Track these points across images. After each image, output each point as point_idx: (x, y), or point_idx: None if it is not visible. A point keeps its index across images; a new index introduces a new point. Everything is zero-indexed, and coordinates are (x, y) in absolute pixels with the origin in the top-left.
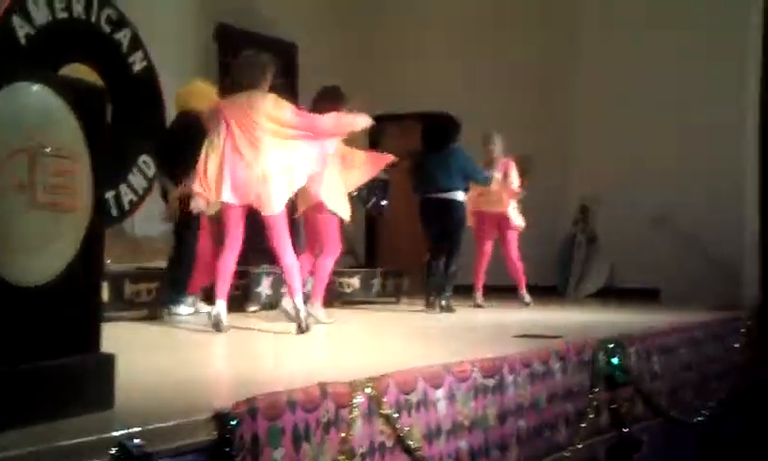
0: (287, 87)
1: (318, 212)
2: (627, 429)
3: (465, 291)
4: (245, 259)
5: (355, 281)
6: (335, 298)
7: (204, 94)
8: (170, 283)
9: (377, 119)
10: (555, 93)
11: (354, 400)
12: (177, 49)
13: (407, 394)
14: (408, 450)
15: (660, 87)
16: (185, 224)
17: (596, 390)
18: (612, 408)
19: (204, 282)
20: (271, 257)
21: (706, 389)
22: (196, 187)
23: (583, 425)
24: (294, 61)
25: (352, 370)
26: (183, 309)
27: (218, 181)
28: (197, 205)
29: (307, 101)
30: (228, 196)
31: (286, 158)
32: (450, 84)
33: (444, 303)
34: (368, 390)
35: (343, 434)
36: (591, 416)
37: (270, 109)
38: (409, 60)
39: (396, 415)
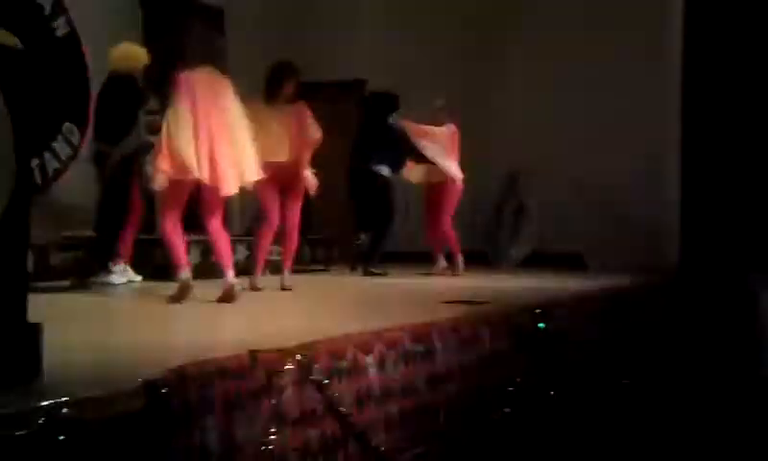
0: (216, 53)
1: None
2: (553, 393)
3: (403, 259)
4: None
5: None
6: (265, 266)
7: (137, 57)
8: (99, 251)
9: (303, 86)
10: (482, 62)
11: (285, 368)
12: (101, 13)
13: (338, 361)
14: (339, 417)
15: (585, 57)
16: (116, 187)
17: (523, 354)
18: (539, 372)
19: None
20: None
21: (629, 350)
22: (163, 165)
23: (510, 390)
24: (221, 27)
25: (283, 337)
26: (115, 278)
27: (199, 158)
28: (160, 181)
29: (235, 67)
30: (205, 175)
31: (243, 144)
32: (376, 54)
33: (370, 269)
34: (298, 357)
35: (273, 402)
36: (519, 380)
37: (231, 93)
38: (335, 29)
39: (326, 382)
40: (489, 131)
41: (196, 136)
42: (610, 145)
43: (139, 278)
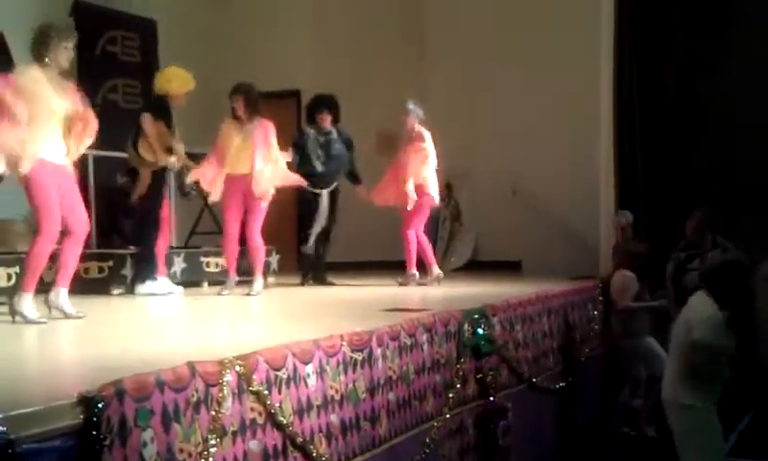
0: (146, 66)
1: None
2: (493, 398)
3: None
4: (109, 242)
5: (222, 260)
6: (202, 278)
7: (186, 81)
8: (139, 262)
9: None
10: (412, 70)
11: (224, 379)
12: (31, 26)
13: (277, 370)
14: (279, 426)
15: (519, 64)
16: (152, 200)
17: (462, 360)
18: (478, 378)
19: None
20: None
21: (566, 355)
22: None
23: (450, 395)
24: (154, 39)
25: (221, 348)
26: (157, 287)
27: None
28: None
29: None
30: None
31: None
32: (310, 63)
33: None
34: (237, 368)
35: (213, 413)
36: (459, 386)
37: None
38: (268, 39)
39: (266, 392)
40: None
41: None
42: (546, 153)
43: (180, 288)
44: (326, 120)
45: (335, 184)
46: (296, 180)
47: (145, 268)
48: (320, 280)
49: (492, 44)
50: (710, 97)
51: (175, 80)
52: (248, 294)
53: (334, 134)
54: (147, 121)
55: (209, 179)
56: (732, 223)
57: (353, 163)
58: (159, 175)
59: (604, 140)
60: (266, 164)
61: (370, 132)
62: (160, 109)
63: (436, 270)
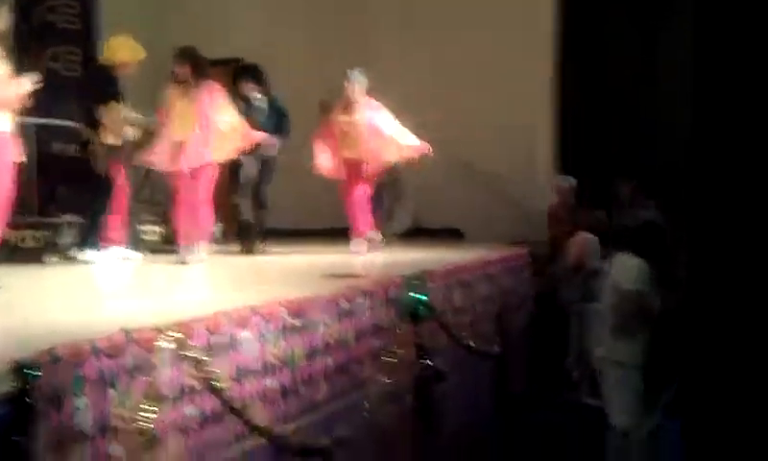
0: (86, 33)
1: None
2: (431, 363)
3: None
4: (45, 210)
5: (162, 229)
6: (140, 246)
7: (135, 51)
8: (86, 229)
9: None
10: (358, 39)
11: (160, 345)
12: None
13: (214, 336)
14: (217, 391)
15: (458, 30)
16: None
17: (401, 326)
18: (416, 343)
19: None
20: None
21: (504, 320)
22: None
23: (389, 360)
24: (95, 6)
25: (159, 315)
26: (99, 256)
27: None
28: None
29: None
30: None
31: None
32: (255, 31)
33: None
34: (174, 334)
35: (149, 379)
36: (397, 351)
37: None
38: (212, 5)
39: (203, 358)
40: None
41: None
42: (484, 119)
43: (138, 254)
44: (247, 89)
45: (261, 152)
46: (260, 137)
47: (90, 236)
48: (254, 248)
49: (434, 12)
50: (655, 55)
51: (121, 49)
52: (185, 262)
53: (256, 104)
54: (102, 113)
55: (160, 153)
56: (668, 186)
57: (283, 131)
58: (114, 147)
59: (542, 107)
60: (214, 128)
61: (314, 100)
62: (107, 84)
63: (372, 234)
